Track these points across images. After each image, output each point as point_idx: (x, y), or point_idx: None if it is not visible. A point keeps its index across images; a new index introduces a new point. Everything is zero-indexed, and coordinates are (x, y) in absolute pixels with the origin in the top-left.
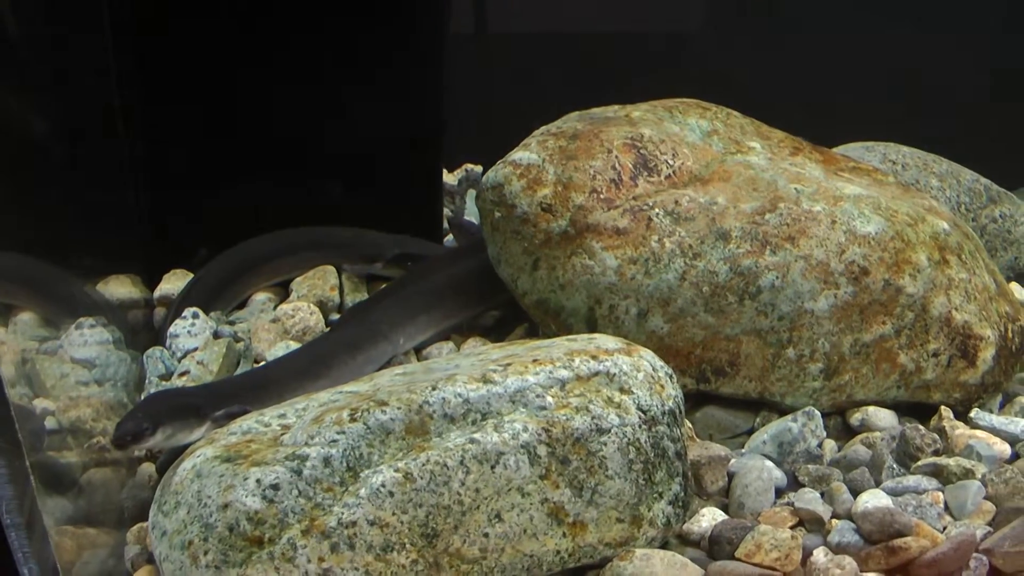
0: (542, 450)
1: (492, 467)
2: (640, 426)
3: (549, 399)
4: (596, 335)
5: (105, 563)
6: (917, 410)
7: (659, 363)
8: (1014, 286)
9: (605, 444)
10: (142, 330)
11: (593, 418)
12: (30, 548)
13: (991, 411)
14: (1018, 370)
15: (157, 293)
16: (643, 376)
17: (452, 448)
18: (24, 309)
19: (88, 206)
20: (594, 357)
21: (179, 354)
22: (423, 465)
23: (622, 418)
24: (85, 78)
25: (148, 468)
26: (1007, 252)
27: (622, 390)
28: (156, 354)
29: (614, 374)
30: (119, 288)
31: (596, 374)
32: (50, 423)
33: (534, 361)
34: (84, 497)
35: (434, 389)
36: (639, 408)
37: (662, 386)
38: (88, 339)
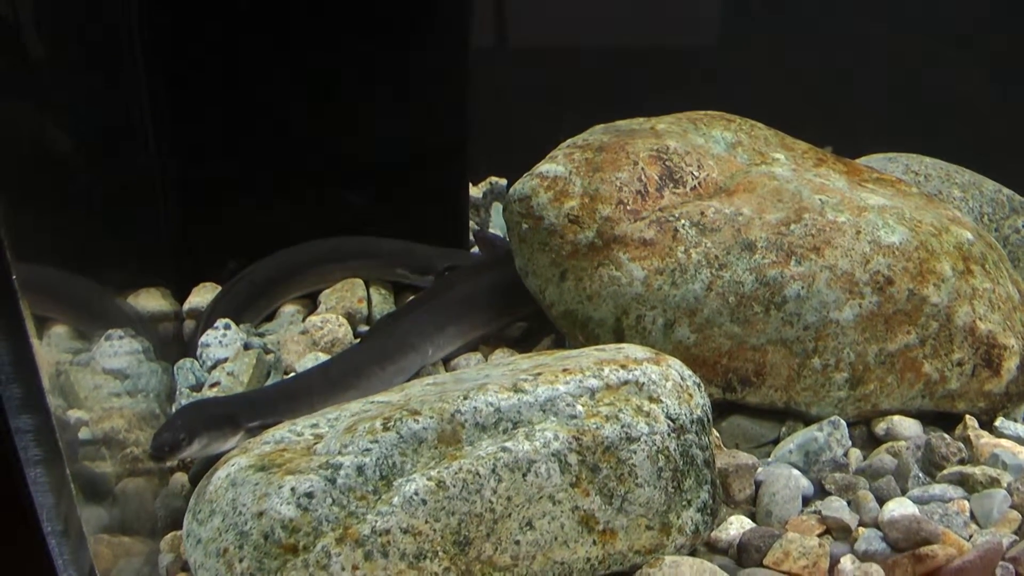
0: (573, 458)
1: (524, 475)
2: (669, 434)
3: (579, 408)
4: (624, 345)
5: (140, 571)
6: (942, 419)
7: (687, 372)
8: None
9: (635, 452)
10: (172, 342)
11: (623, 426)
12: (69, 555)
13: (1016, 420)
14: None
15: (186, 306)
16: (671, 385)
17: (484, 456)
18: (57, 322)
19: (119, 221)
20: (623, 366)
21: (209, 364)
22: (455, 473)
23: (651, 426)
24: (115, 94)
25: (181, 478)
26: None
27: (651, 399)
28: (186, 365)
29: (643, 383)
30: (149, 301)
31: (625, 383)
32: (84, 434)
33: (564, 371)
34: (118, 506)
35: (466, 398)
36: (668, 417)
37: (690, 395)
38: (119, 350)
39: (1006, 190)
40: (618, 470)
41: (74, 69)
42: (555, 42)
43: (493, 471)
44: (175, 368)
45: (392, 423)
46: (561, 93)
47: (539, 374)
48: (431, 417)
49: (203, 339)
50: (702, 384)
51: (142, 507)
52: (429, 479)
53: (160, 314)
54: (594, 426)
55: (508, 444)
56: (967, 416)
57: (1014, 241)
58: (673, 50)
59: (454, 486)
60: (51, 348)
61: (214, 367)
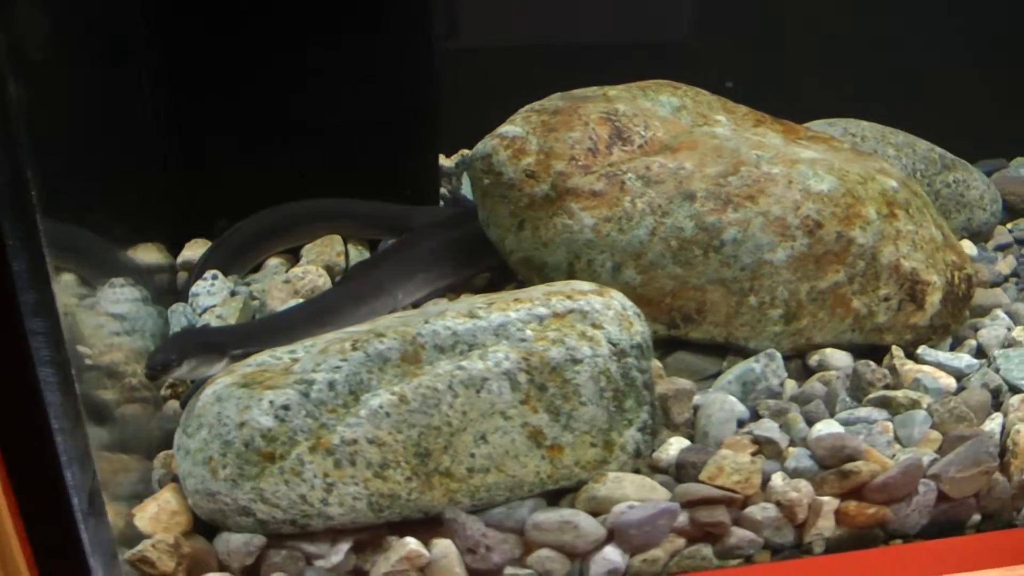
0: (522, 377)
1: (477, 391)
2: (610, 357)
3: (528, 332)
4: (572, 281)
5: (135, 485)
6: (872, 352)
7: (628, 303)
8: (966, 243)
9: (579, 373)
10: (167, 292)
11: (568, 349)
12: (74, 453)
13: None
14: (966, 314)
15: (179, 259)
16: (613, 313)
17: (442, 374)
18: (66, 271)
19: (120, 181)
20: (569, 297)
21: (200, 311)
22: (416, 388)
23: (594, 350)
24: (116, 57)
25: (173, 404)
26: (960, 214)
27: (594, 325)
28: (179, 309)
29: (587, 311)
30: (146, 254)
31: (571, 311)
32: (88, 363)
33: (515, 300)
34: (118, 429)
35: (426, 323)
36: (609, 341)
37: (630, 323)
38: (120, 297)
39: (938, 149)
40: (564, 389)
41: (78, 27)
42: (521, 41)
43: (450, 387)
44: (169, 312)
45: (360, 344)
46: (529, 81)
47: (492, 303)
48: (395, 339)
49: (193, 289)
50: (642, 314)
51: (139, 430)
52: (392, 393)
53: (156, 266)
54: (541, 348)
55: (463, 363)
56: (894, 347)
57: (945, 195)
58: (640, 44)
59: (415, 400)
60: (61, 292)
61: (204, 312)
